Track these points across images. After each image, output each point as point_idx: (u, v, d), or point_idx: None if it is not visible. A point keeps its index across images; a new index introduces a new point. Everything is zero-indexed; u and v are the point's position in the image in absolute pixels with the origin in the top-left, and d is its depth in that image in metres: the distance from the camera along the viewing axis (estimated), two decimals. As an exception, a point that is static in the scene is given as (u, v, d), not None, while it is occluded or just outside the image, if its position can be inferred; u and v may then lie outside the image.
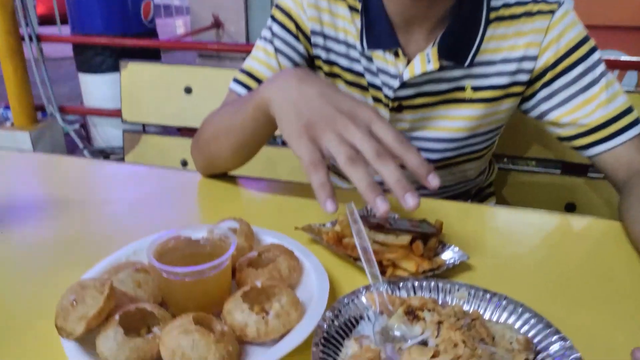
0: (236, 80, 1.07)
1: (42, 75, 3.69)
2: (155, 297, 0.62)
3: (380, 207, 0.59)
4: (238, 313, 0.57)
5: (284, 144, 1.69)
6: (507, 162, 1.78)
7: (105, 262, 0.69)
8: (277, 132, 0.81)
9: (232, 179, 1.07)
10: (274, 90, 0.76)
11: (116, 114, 3.20)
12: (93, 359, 0.53)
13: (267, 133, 0.88)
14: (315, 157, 0.64)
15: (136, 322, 0.58)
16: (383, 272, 0.70)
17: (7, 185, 1.05)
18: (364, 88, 1.04)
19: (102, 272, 0.65)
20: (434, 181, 0.63)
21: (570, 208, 1.41)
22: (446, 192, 1.16)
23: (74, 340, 0.55)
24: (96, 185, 1.09)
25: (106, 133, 3.99)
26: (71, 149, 3.96)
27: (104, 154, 3.98)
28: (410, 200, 0.59)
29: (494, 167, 1.30)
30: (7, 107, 3.59)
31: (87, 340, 0.55)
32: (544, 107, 0.99)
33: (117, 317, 0.55)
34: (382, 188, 0.62)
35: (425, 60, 0.93)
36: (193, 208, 1.00)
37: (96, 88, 3.96)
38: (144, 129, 1.86)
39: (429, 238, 0.76)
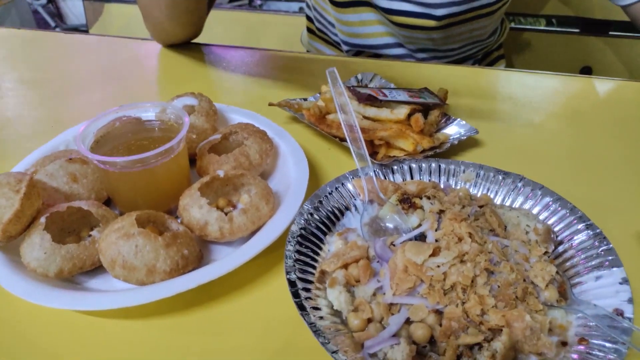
0: None
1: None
2: (97, 192, 0.51)
3: None
4: (195, 209, 0.47)
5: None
6: (518, 21, 1.59)
7: (38, 151, 0.57)
8: None
9: (198, 48, 0.91)
10: None
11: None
12: (22, 270, 0.44)
13: None
14: None
15: (75, 224, 0.48)
16: (375, 154, 0.58)
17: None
18: None
19: (32, 164, 0.54)
20: None
21: (585, 72, 1.27)
22: (450, 56, 1.00)
23: (-5, 249, 0.45)
24: (39, 60, 0.93)
25: (77, 8, 3.63)
26: (43, 29, 3.64)
27: (78, 32, 3.66)
28: None
29: (506, 25, 1.12)
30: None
31: (16, 249, 0.45)
32: None
33: (43, 220, 0.44)
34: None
35: None
36: (149, 84, 0.85)
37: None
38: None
39: (430, 110, 0.63)
